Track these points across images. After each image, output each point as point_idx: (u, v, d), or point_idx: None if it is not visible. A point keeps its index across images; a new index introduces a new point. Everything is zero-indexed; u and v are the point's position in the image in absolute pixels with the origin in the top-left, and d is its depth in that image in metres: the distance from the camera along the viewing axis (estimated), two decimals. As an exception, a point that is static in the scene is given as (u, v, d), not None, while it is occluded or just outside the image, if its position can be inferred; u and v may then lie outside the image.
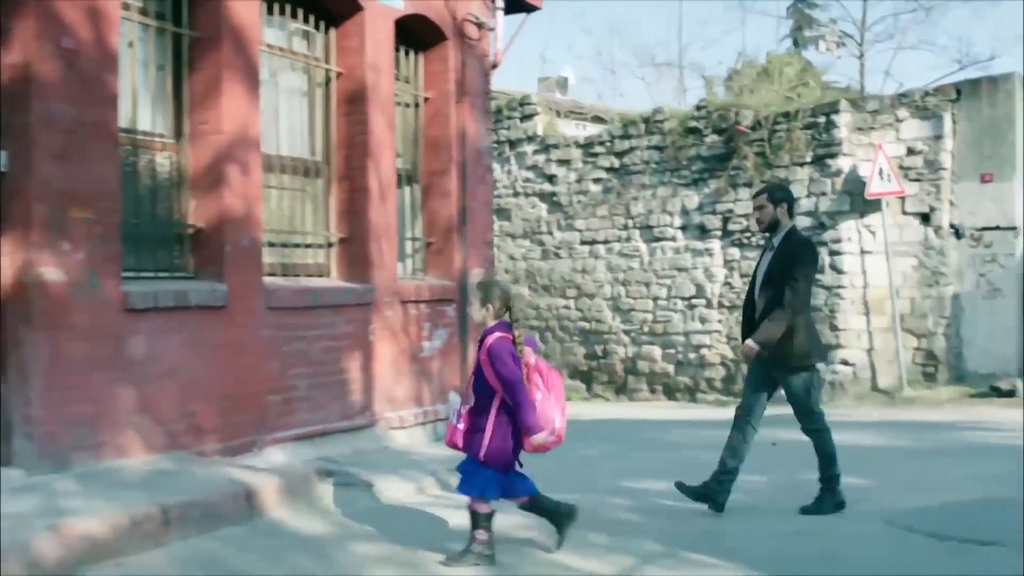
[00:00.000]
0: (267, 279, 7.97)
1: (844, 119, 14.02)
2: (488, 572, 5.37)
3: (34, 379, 6.25)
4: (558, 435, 5.46)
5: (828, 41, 17.50)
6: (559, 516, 5.68)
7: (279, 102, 8.56)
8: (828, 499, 6.71)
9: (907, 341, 14.00)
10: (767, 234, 6.93)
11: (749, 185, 14.60)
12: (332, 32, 9.05)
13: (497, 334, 5.43)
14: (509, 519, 6.31)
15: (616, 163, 16.34)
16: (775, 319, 6.55)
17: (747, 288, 7.19)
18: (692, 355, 15.54)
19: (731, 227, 15.05)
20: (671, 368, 15.77)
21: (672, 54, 58.03)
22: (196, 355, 7.26)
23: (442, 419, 9.77)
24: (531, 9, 11.41)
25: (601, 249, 16.55)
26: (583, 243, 16.79)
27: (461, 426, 5.47)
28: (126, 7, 7.07)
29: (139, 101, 7.30)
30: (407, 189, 9.98)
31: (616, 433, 11.97)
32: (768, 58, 30.90)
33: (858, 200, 13.95)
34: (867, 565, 5.42)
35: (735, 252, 15.04)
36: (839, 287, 14.02)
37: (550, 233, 17.21)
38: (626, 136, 16.25)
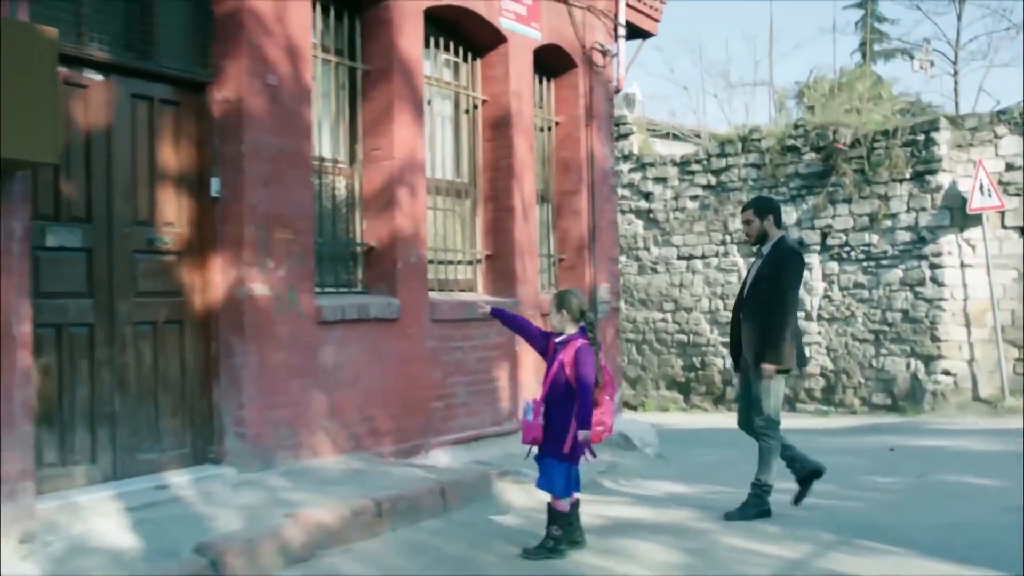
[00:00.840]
0: (431, 294, 8.57)
1: (944, 136, 14.39)
2: (683, 557, 5.88)
3: (245, 385, 6.87)
4: (610, 427, 6.00)
5: (922, 60, 17.87)
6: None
7: (433, 128, 9.17)
8: (753, 504, 6.90)
9: (1008, 352, 14.29)
10: (757, 246, 7.16)
11: (848, 201, 15.05)
12: (478, 62, 9.66)
13: (582, 340, 5.91)
14: (679, 513, 6.87)
15: (713, 180, 16.83)
16: (775, 336, 6.72)
17: (736, 297, 7.40)
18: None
19: (830, 242, 15.45)
20: (771, 380, 16.16)
21: (745, 71, 58.50)
22: (374, 364, 7.86)
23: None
24: (647, 35, 11.96)
25: (699, 264, 17.03)
26: (680, 258, 17.27)
27: (541, 421, 5.91)
28: (313, 45, 7.71)
29: (321, 130, 7.94)
30: (541, 208, 10.54)
31: (728, 440, 12.33)
32: (840, 73, 31.23)
33: (958, 215, 14.30)
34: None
35: (834, 266, 15.44)
36: (940, 300, 14.37)
37: (647, 249, 17.71)
38: (723, 154, 16.73)
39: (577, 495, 6.14)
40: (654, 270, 17.62)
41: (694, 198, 17.09)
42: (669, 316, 17.42)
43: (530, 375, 9.61)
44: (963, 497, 7.79)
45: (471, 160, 9.57)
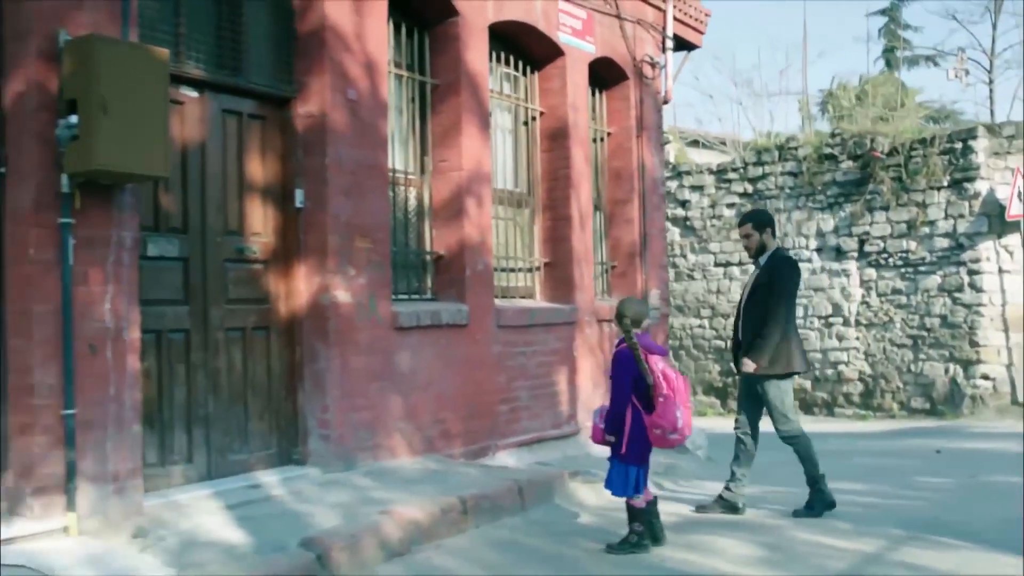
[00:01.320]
0: (496, 300, 8.84)
1: (981, 144, 14.61)
2: (761, 551, 6.13)
3: (329, 388, 7.15)
4: (682, 432, 6.04)
5: (957, 68, 18.11)
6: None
7: (493, 140, 9.44)
8: (819, 500, 7.16)
9: (1047, 356, 14.52)
10: (755, 258, 7.41)
11: (886, 209, 15.29)
12: (535, 75, 9.94)
13: (622, 345, 6.20)
14: (746, 510, 7.11)
15: (749, 188, 17.08)
16: (765, 336, 7.01)
17: (736, 306, 7.69)
18: (829, 371, 16.18)
19: (868, 248, 15.68)
20: (808, 384, 16.40)
21: (770, 79, 58.70)
22: (445, 368, 8.13)
23: (629, 429, 10.57)
24: (692, 47, 12.21)
25: (736, 271, 17.27)
26: (717, 265, 17.53)
27: (602, 425, 6.24)
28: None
29: (393, 142, 8.22)
30: (595, 217, 10.80)
31: (770, 444, 12.57)
32: (862, 80, 31.46)
33: (996, 221, 14.52)
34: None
35: (872, 272, 15.67)
36: (978, 305, 14.58)
37: (683, 256, 17.96)
38: (759, 162, 16.98)
39: (653, 493, 6.38)
40: (691, 277, 17.88)
41: (731, 206, 17.34)
42: (706, 322, 17.67)
43: (587, 380, 9.87)
44: (1016, 496, 8.00)
45: (529, 170, 9.84)
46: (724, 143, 27.73)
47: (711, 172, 17.63)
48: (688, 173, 17.90)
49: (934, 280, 15.00)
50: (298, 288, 7.22)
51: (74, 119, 5.40)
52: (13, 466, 5.43)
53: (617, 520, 7.03)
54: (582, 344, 9.80)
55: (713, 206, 17.51)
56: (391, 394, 7.60)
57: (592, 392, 9.98)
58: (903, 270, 15.30)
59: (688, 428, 6.11)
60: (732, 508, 7.32)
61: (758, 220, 7.38)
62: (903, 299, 15.33)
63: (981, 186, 14.61)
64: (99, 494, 5.58)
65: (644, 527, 6.21)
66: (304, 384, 7.21)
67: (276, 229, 7.21)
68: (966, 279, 14.61)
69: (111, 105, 5.38)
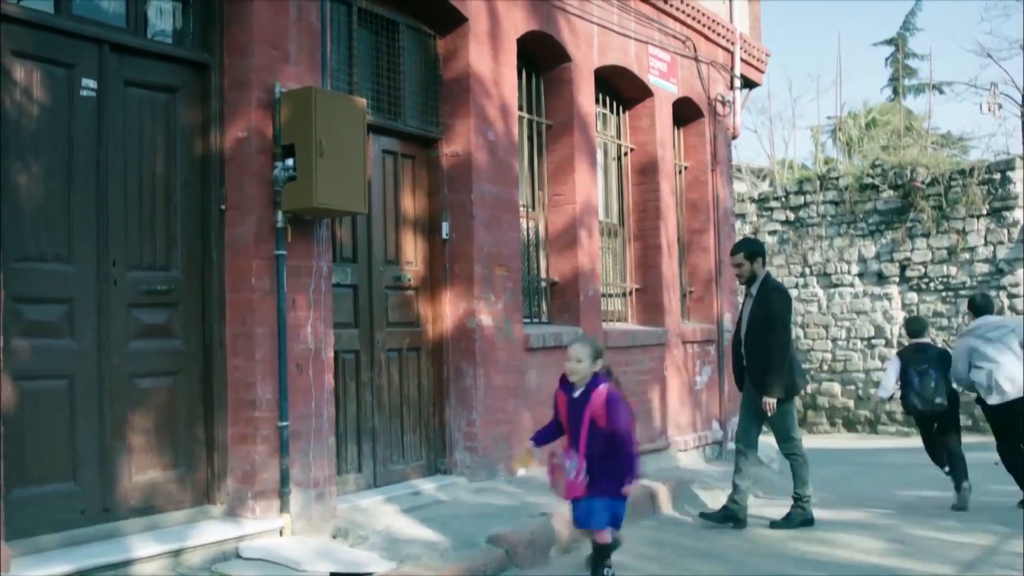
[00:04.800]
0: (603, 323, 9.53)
1: (1019, 175, 15.42)
2: (887, 545, 6.80)
3: (474, 404, 7.82)
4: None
5: (991, 102, 18.95)
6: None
7: (591, 174, 10.16)
8: (797, 514, 7.52)
9: (1082, 377, 15.22)
10: (747, 286, 7.64)
11: (927, 236, 16.07)
12: (626, 114, 10.67)
13: (604, 384, 5.61)
14: (851, 512, 7.78)
15: (791, 216, 17.84)
16: (774, 371, 7.26)
17: (734, 332, 7.96)
18: (872, 390, 16.88)
19: (909, 274, 16.44)
20: (851, 403, 17.12)
21: (783, 106, 59.77)
22: (564, 386, 8.79)
23: (709, 443, 11.27)
24: (754, 85, 12.98)
25: (778, 295, 17.97)
26: (759, 290, 18.22)
27: (584, 479, 5.53)
28: (512, 103, 8.72)
29: (515, 178, 8.93)
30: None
31: (830, 458, 13.26)
32: (868, 109, 32.27)
33: (1035, 248, 15.32)
34: None
35: (913, 296, 16.43)
36: (1018, 327, 15.31)
37: (725, 281, 18.68)
38: (800, 191, 17.75)
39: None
40: (733, 301, 18.59)
41: (772, 233, 18.09)
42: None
43: (675, 397, 10.55)
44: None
45: (621, 202, 10.55)
46: (740, 170, 28.57)
47: (753, 201, 18.39)
48: (730, 202, 18.64)
49: (974, 304, 15.73)
50: (444, 312, 7.90)
51: (291, 162, 6.09)
52: (234, 472, 6.08)
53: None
54: (671, 364, 10.49)
55: (755, 233, 18.25)
56: (523, 409, 8.27)
57: (679, 410, 10.66)
58: (944, 294, 16.05)
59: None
60: (734, 518, 7.51)
61: (749, 250, 7.61)
62: (944, 321, 16.07)
63: (1019, 215, 15.39)
64: (304, 498, 6.23)
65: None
66: (450, 400, 7.88)
67: (425, 258, 7.90)
68: (1006, 302, 15.36)
69: (324, 149, 6.06)
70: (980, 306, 8.66)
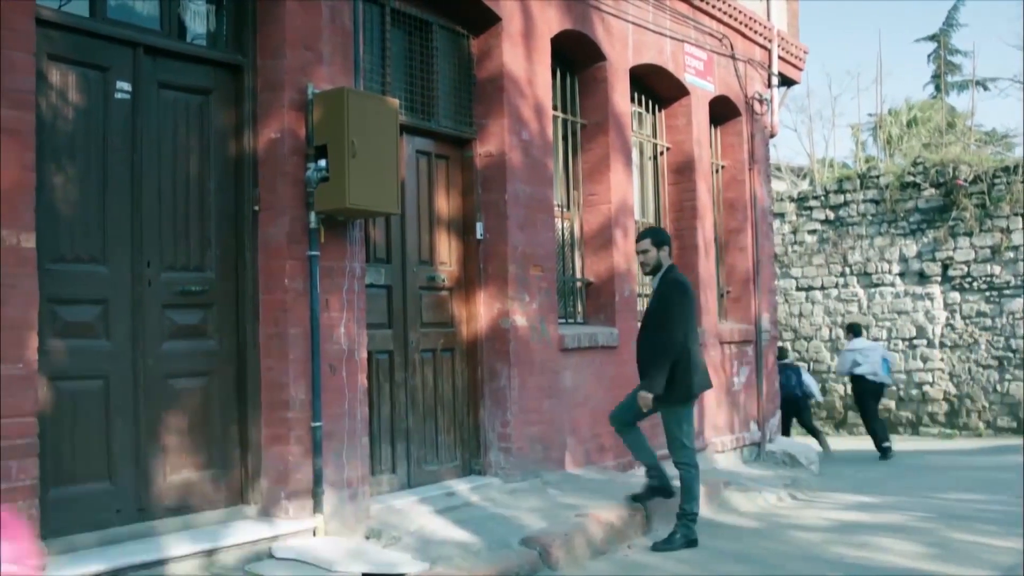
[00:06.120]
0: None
1: (1064, 172, 15.17)
2: (926, 549, 6.70)
3: (509, 404, 7.79)
4: None
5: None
6: None
7: (627, 174, 10.10)
8: (681, 533, 6.82)
9: None
10: (651, 275, 7.23)
11: (969, 234, 15.85)
12: (661, 113, 10.61)
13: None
14: (890, 516, 7.67)
15: (831, 216, 17.66)
16: (656, 367, 6.80)
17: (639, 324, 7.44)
18: (914, 391, 16.71)
19: (951, 273, 16.22)
20: (892, 404, 16.92)
21: (823, 104, 59.31)
22: (599, 386, 8.76)
23: (747, 444, 11.18)
24: (792, 83, 12.86)
25: (818, 295, 17.84)
26: (799, 289, 18.08)
27: None
28: (546, 103, 8.69)
29: (549, 178, 8.90)
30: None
31: (873, 460, 13.13)
32: (909, 106, 31.91)
33: (1079, 245, 15.06)
34: None
35: (956, 296, 16.21)
36: (1059, 324, 15.10)
37: (764, 281, 18.54)
38: (840, 190, 17.57)
39: None
40: (772, 301, 18.45)
41: (812, 232, 17.92)
42: (789, 344, 18.19)
43: (711, 398, 10.46)
44: None
45: (657, 202, 10.49)
46: (779, 169, 28.35)
47: (792, 200, 18.23)
48: (769, 201, 18.50)
49: (1019, 303, 15.52)
50: (478, 312, 7.88)
51: (323, 163, 6.10)
52: (268, 472, 6.10)
53: (775, 523, 7.68)
54: (709, 365, 10.36)
55: (795, 232, 18.09)
56: (558, 410, 8.24)
57: (716, 410, 10.58)
58: (987, 293, 15.82)
59: None
60: (661, 491, 7.18)
61: (656, 237, 7.19)
62: (988, 321, 15.85)
63: (1064, 213, 15.16)
64: (337, 498, 6.23)
65: None
66: (485, 401, 7.86)
67: (459, 259, 7.89)
68: (1047, 300, 15.13)
69: (356, 150, 6.06)
70: (856, 330, 14.20)
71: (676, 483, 7.09)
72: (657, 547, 6.76)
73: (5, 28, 4.75)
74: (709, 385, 7.23)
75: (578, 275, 9.18)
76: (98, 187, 5.50)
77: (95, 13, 5.54)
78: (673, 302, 6.91)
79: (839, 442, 16.23)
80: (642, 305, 9.91)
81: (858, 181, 17.37)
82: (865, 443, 14.12)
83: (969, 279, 16.03)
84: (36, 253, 4.87)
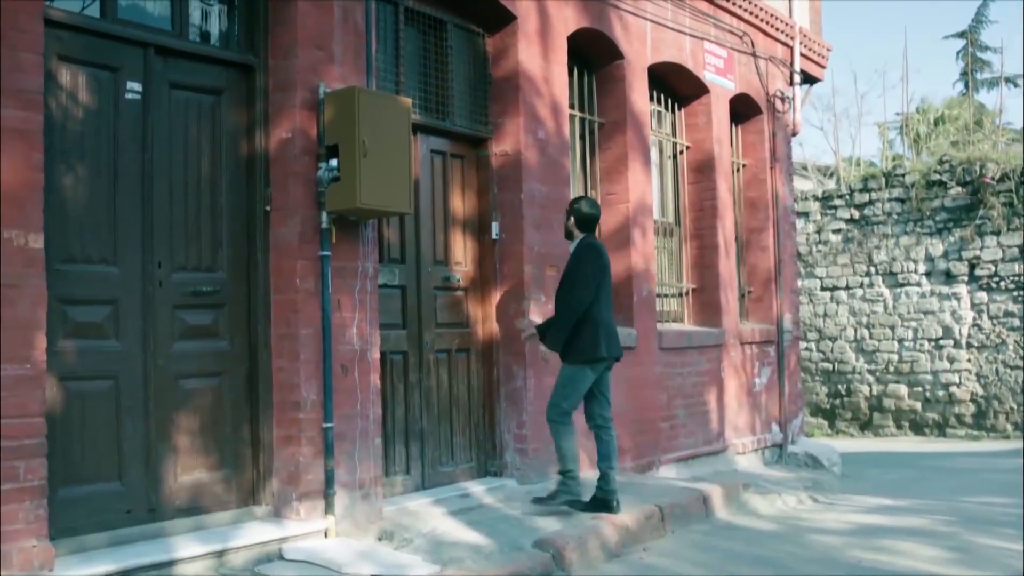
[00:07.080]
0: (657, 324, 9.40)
1: (1093, 171, 14.96)
2: (947, 553, 6.59)
3: (525, 405, 7.74)
4: None
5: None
6: None
7: (646, 173, 10.03)
8: (563, 491, 6.85)
9: None
10: (568, 240, 7.21)
11: (997, 233, 15.65)
12: (681, 111, 10.52)
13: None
14: (912, 519, 7.56)
15: (856, 215, 17.50)
16: (558, 325, 6.90)
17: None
18: (940, 392, 16.52)
19: (978, 272, 16.03)
20: (918, 405, 16.76)
21: (849, 102, 58.96)
22: (617, 387, 8.58)
23: (769, 446, 11.08)
24: (815, 81, 12.74)
25: (843, 295, 17.68)
26: (823, 289, 17.93)
27: None
28: (563, 102, 8.63)
29: (566, 177, 8.84)
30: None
31: (893, 461, 13.02)
32: (933, 105, 31.62)
33: (1108, 246, 14.85)
34: None
35: (983, 296, 16.01)
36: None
37: (789, 281, 18.41)
38: (865, 189, 17.41)
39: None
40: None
41: (837, 231, 17.77)
42: (813, 345, 18.06)
43: (732, 399, 10.38)
44: None
45: (676, 201, 10.41)
46: (805, 168, 28.14)
47: (816, 199, 18.08)
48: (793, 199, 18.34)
49: (1048, 303, 15.35)
50: (494, 313, 7.83)
51: (334, 162, 6.07)
52: (279, 473, 6.08)
53: (794, 526, 7.60)
54: (728, 366, 10.32)
55: (819, 232, 17.95)
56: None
57: (736, 412, 10.49)
58: (1015, 293, 15.62)
59: None
60: (606, 506, 6.92)
61: (570, 206, 7.25)
62: (1015, 321, 15.65)
63: (1093, 211, 14.95)
64: (349, 500, 6.20)
65: None
66: (500, 402, 7.81)
67: (474, 259, 7.85)
68: (1076, 290, 14.93)
69: (367, 150, 6.03)
70: None
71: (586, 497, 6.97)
72: (537, 501, 6.94)
73: (12, 29, 4.75)
74: (616, 354, 7.05)
75: (596, 275, 9.10)
76: (109, 188, 5.50)
77: (106, 14, 5.54)
78: (582, 261, 6.93)
79: (864, 443, 16.12)
80: (661, 305, 9.87)
81: (884, 180, 17.19)
82: (889, 444, 13.97)
83: (996, 279, 15.83)
84: (44, 253, 4.86)
